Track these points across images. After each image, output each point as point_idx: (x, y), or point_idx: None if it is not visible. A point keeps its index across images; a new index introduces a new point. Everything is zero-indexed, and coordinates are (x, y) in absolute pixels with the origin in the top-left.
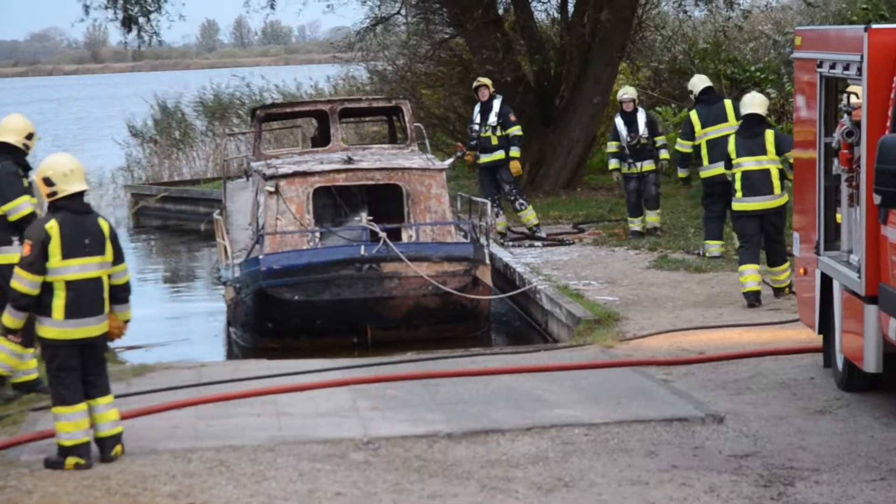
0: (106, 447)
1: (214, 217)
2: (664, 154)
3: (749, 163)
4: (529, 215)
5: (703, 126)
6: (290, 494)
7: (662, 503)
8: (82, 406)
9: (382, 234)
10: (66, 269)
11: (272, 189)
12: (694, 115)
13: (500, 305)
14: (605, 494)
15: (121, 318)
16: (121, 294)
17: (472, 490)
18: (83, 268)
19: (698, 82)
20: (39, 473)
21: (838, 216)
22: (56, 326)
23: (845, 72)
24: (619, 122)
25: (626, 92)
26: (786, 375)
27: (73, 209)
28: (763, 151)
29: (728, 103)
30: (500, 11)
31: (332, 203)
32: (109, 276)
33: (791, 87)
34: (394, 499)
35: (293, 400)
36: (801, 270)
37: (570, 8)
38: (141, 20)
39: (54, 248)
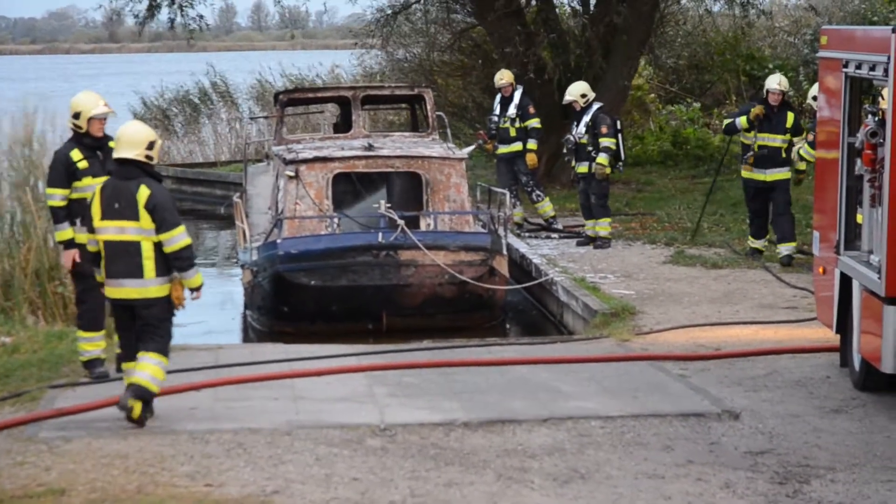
0: (123, 407)
1: (234, 200)
2: (600, 158)
3: None
4: (546, 207)
5: None
6: (307, 478)
7: (678, 498)
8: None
9: (400, 222)
10: (104, 230)
11: (292, 174)
12: None
13: (515, 296)
14: (621, 487)
15: (187, 286)
16: (175, 262)
17: (488, 479)
18: (121, 230)
19: None
20: (58, 450)
21: (859, 216)
22: (105, 284)
23: (871, 72)
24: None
25: (569, 92)
26: (802, 374)
27: (115, 174)
28: None
29: None
30: (522, 3)
31: (352, 189)
32: (161, 244)
33: (808, 85)
34: (410, 486)
35: (310, 384)
36: (820, 269)
37: (592, 1)
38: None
39: (95, 208)
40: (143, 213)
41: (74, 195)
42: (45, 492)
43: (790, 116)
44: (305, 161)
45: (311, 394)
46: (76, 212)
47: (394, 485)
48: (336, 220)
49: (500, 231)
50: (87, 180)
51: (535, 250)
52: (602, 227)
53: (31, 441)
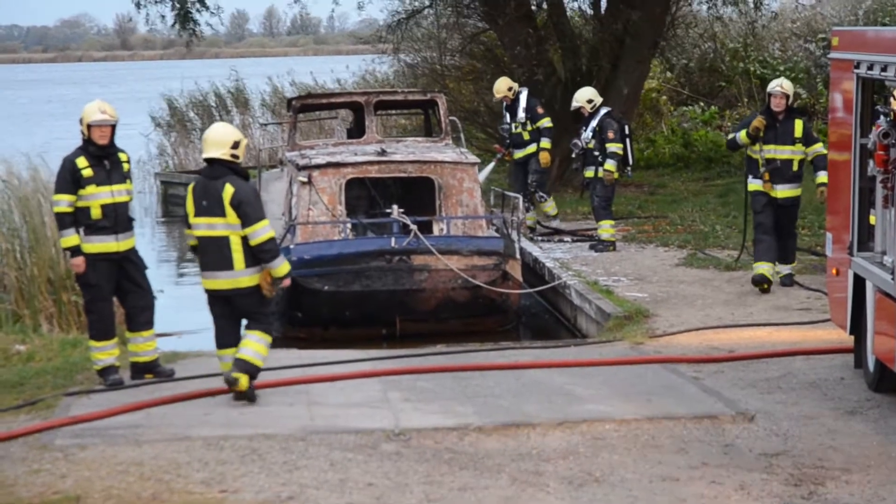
0: (229, 381)
1: None
2: (608, 164)
3: None
4: (548, 207)
5: None
6: (322, 484)
7: (693, 500)
8: (229, 351)
9: (413, 227)
10: (197, 226)
11: (305, 179)
12: None
13: (528, 300)
14: (636, 490)
15: (274, 275)
16: (260, 255)
17: (502, 483)
18: (211, 226)
19: None
20: (73, 458)
21: (872, 218)
22: (202, 276)
23: (883, 73)
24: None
25: (575, 98)
26: (816, 375)
27: (204, 173)
28: None
29: None
30: (533, 7)
31: (365, 195)
32: (247, 238)
33: (821, 87)
34: (425, 490)
35: (324, 390)
36: (834, 271)
37: (603, 4)
38: (196, 15)
39: (189, 206)
40: (229, 210)
41: (79, 203)
42: (60, 499)
43: (798, 125)
44: (318, 166)
45: (325, 399)
46: (81, 220)
47: (409, 489)
48: (349, 225)
49: (513, 235)
50: (91, 188)
51: (548, 254)
52: (604, 229)
53: (47, 449)
